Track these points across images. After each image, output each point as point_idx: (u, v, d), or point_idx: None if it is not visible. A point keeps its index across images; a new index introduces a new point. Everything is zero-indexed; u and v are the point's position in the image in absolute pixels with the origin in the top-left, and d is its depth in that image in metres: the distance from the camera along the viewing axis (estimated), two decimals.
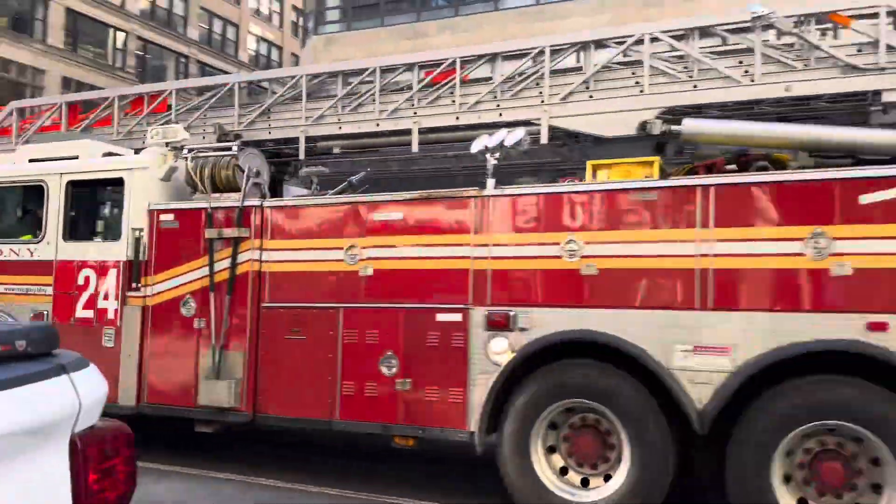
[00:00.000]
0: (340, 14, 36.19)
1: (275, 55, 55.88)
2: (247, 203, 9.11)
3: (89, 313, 9.94)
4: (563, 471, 7.58)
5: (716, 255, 7.00)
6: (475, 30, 29.80)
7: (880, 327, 6.38)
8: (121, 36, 47.03)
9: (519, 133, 8.11)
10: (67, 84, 41.86)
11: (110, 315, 9.78)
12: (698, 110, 8.43)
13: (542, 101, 8.83)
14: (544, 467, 7.57)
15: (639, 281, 7.24)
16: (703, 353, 6.97)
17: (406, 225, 8.27)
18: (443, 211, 8.09)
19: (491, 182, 8.03)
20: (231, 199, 9.24)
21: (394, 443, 8.21)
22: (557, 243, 7.57)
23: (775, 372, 6.74)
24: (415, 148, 9.40)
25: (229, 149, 9.59)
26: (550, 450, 7.62)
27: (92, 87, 25.45)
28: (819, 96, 7.92)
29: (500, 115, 9.01)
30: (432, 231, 8.11)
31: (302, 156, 10.08)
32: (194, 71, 51.26)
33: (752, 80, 8.02)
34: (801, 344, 6.62)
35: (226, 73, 48.08)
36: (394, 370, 8.16)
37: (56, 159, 10.63)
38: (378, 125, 9.63)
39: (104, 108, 11.84)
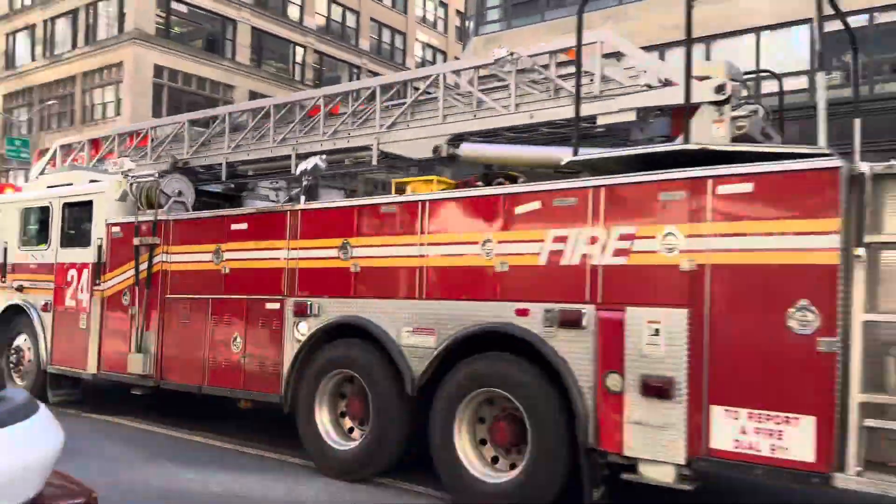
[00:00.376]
0: (501, 13, 38.16)
1: (440, 60, 58.68)
2: (158, 218, 11.54)
3: (73, 302, 12.69)
4: (340, 425, 9.54)
5: (429, 256, 8.75)
6: (641, 17, 29.35)
7: (524, 313, 7.97)
8: (300, 51, 50.91)
9: (313, 160, 10.09)
10: (255, 97, 45.06)
11: (84, 304, 12.47)
12: (494, 135, 10.09)
13: (376, 130, 10.74)
14: (325, 423, 9.55)
15: (386, 277, 9.08)
16: (419, 334, 8.74)
17: (248, 233, 10.43)
18: (270, 222, 10.20)
19: (302, 199, 10.07)
20: (149, 215, 11.70)
21: (239, 405, 10.39)
22: (336, 247, 9.52)
23: (465, 348, 8.42)
24: (294, 170, 11.53)
25: (154, 175, 12.09)
26: (333, 410, 9.59)
27: None
28: (569, 121, 9.42)
29: (348, 141, 10.99)
30: (265, 237, 10.23)
31: (223, 177, 12.40)
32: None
33: (509, 110, 9.64)
34: (475, 326, 8.29)
35: None
36: (239, 347, 10.33)
37: (59, 186, 13.51)
38: (272, 152, 11.83)
39: (118, 142, 14.63)
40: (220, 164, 12.67)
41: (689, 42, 7.30)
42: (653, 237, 7.23)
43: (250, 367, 10.22)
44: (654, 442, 7.07)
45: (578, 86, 8.01)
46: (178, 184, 12.09)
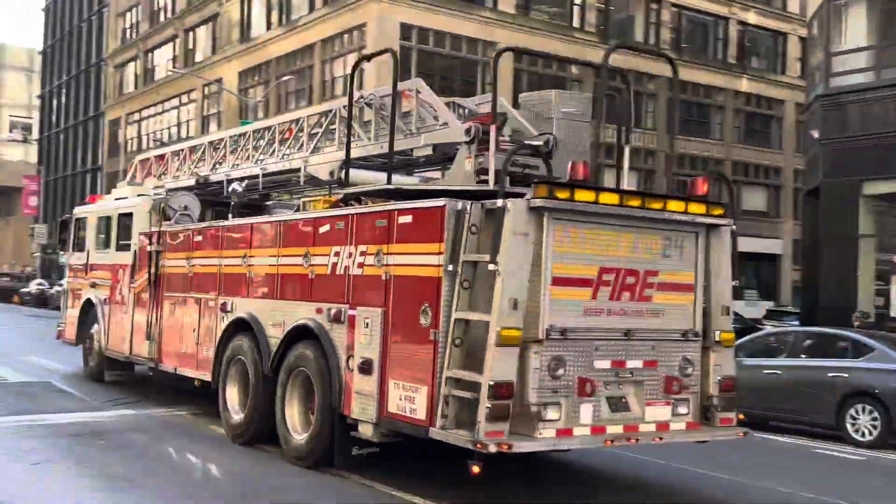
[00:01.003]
0: None
1: None
2: (162, 229, 14.80)
3: (120, 297, 16.22)
4: (241, 401, 12.41)
5: (280, 266, 11.45)
6: None
7: (319, 311, 10.52)
8: None
9: (233, 184, 13.02)
10: (518, 59, 39.23)
11: (125, 299, 15.96)
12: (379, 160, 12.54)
13: (304, 155, 13.45)
14: (231, 398, 12.42)
15: (262, 282, 11.85)
16: (276, 327, 11.43)
17: (201, 244, 13.49)
18: (212, 235, 13.22)
19: (229, 216, 13.05)
20: (163, 226, 14.96)
21: (196, 383, 13.45)
22: (240, 256, 12.39)
23: (296, 337, 11.01)
24: (261, 186, 14.44)
25: (163, 192, 15.39)
26: (235, 388, 12.41)
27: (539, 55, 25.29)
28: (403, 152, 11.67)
29: (289, 163, 13.76)
30: (209, 248, 13.27)
31: (225, 193, 15.41)
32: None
33: (370, 141, 12.05)
34: (297, 321, 10.90)
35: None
36: (196, 337, 13.41)
37: (120, 199, 17.15)
38: (261, 170, 14.79)
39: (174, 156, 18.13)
40: (231, 180, 15.57)
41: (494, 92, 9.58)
42: (373, 254, 9.61)
43: (200, 353, 13.26)
44: (363, 406, 9.47)
45: (392, 122, 10.52)
46: (185, 199, 15.24)
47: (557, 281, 8.29)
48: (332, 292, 10.27)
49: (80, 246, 18.19)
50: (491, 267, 8.02)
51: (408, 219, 9.09)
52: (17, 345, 25.71)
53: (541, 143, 10.50)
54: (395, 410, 9.01)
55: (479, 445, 7.82)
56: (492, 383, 7.88)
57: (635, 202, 8.55)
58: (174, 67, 54.55)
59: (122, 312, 16.00)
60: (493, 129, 9.27)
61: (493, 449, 7.74)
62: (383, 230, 9.45)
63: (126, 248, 16.07)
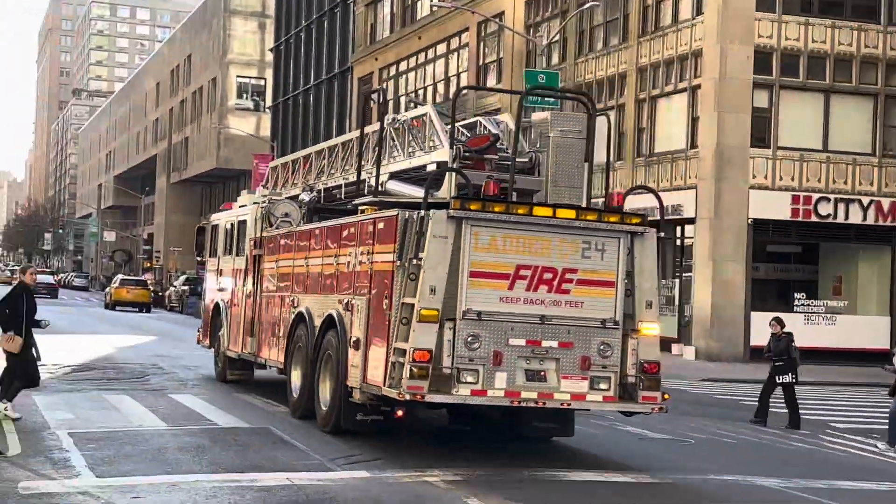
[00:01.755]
0: None
1: None
2: (262, 235, 17.49)
3: (236, 300, 18.83)
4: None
5: (311, 265, 14.06)
6: None
7: (340, 302, 12.95)
8: None
9: (303, 195, 15.83)
10: None
11: (239, 301, 18.67)
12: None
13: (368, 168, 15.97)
14: (294, 378, 15.09)
15: (309, 279, 14.44)
16: (318, 318, 13.89)
17: (283, 247, 16.29)
18: (285, 240, 16.00)
19: (301, 223, 15.78)
20: (263, 233, 17.69)
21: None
22: (302, 258, 15.05)
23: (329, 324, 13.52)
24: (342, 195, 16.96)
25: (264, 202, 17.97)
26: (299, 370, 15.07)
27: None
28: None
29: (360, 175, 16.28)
30: (286, 251, 16.05)
31: (321, 200, 17.85)
32: None
33: (401, 157, 14.43)
34: (329, 309, 13.41)
35: None
36: (278, 330, 16.10)
37: (243, 207, 19.99)
38: (335, 181, 17.30)
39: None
40: (331, 187, 16.90)
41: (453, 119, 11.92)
42: (365, 253, 12.01)
43: (280, 344, 15.87)
44: (354, 376, 11.85)
45: (379, 154, 12.96)
46: (286, 207, 17.44)
47: (475, 274, 10.46)
48: (348, 286, 12.73)
49: (213, 252, 20.70)
50: (415, 262, 10.31)
51: (381, 225, 11.49)
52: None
53: (525, 160, 12.63)
54: (370, 377, 11.37)
55: (400, 395, 10.14)
56: (412, 349, 10.15)
57: (545, 212, 10.59)
58: (440, 0, 44.46)
59: (237, 313, 18.44)
60: (449, 155, 11.53)
61: (408, 397, 10.02)
62: (371, 234, 11.85)
63: (241, 252, 18.48)
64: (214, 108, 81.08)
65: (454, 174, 12.20)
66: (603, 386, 11.03)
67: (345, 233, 13.02)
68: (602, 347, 11.01)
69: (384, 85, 50.16)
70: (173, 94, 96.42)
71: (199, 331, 21.84)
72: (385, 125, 14.30)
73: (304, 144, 54.40)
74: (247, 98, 78.56)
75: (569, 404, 10.89)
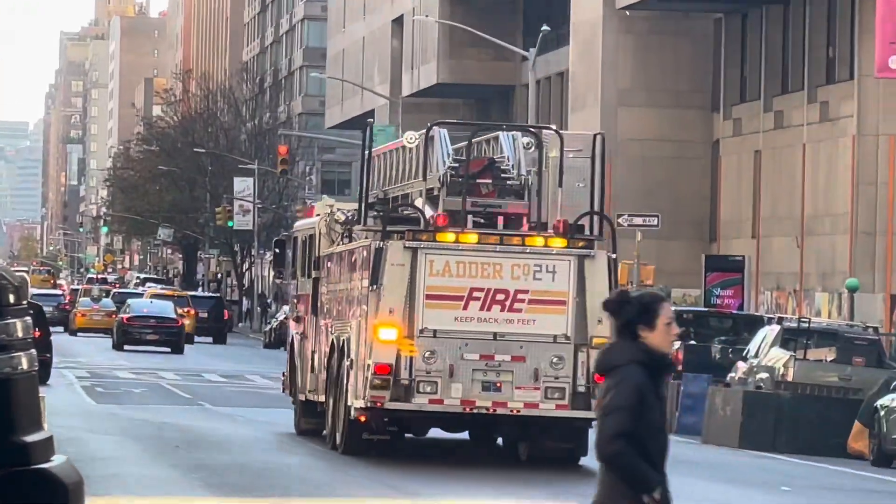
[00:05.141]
0: None
1: None
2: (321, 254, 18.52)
3: (306, 329, 18.04)
4: None
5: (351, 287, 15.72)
6: None
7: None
8: None
9: None
10: None
11: (308, 329, 18.63)
12: None
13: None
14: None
15: (344, 301, 16.09)
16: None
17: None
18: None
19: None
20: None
21: None
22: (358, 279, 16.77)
23: None
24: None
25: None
26: None
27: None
28: None
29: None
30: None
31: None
32: None
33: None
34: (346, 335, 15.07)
35: None
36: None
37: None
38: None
39: None
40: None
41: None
42: (360, 278, 13.59)
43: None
44: (354, 393, 13.46)
45: (363, 181, 14.61)
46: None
47: (431, 297, 11.96)
48: (357, 308, 14.27)
49: (293, 273, 17.63)
50: (374, 287, 11.90)
51: (364, 253, 13.10)
52: None
53: (517, 182, 13.47)
54: (360, 391, 12.96)
55: (365, 403, 11.73)
56: (374, 363, 11.72)
57: (493, 241, 12.00)
58: None
59: (307, 347, 16.37)
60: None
61: (369, 404, 11.60)
62: (365, 260, 13.35)
63: (310, 274, 16.46)
64: None
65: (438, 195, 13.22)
66: (556, 395, 12.28)
67: (352, 259, 14.44)
68: (554, 360, 12.27)
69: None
70: None
71: (283, 374, 18.42)
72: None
73: None
74: None
75: (519, 411, 12.20)
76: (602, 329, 12.40)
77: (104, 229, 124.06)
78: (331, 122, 72.75)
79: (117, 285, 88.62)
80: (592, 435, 14.51)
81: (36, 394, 3.20)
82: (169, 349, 44.46)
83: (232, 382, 30.07)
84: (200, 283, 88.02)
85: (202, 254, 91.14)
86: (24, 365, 3.07)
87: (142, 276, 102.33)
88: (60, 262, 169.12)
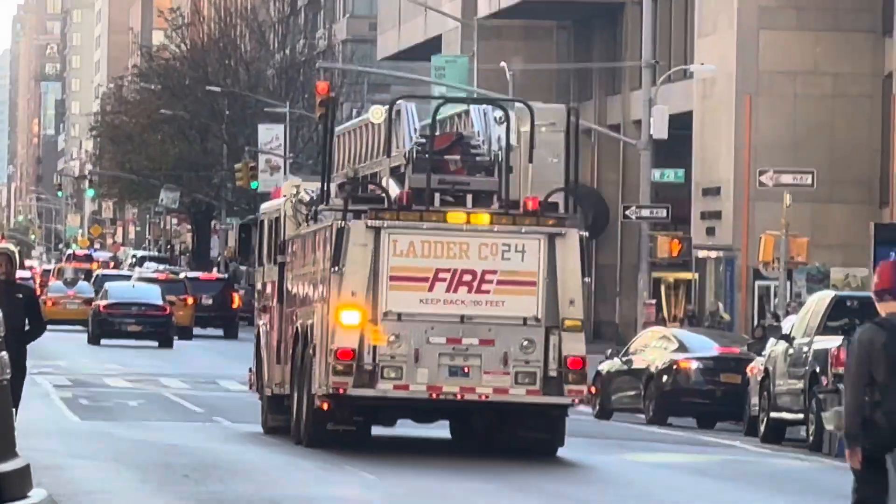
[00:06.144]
0: None
1: None
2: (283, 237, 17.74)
3: (272, 319, 18.62)
4: None
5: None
6: None
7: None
8: None
9: None
10: None
11: (274, 319, 19.65)
12: None
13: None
14: None
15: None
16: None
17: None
18: None
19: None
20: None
21: None
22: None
23: None
24: None
25: None
26: None
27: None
28: None
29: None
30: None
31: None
32: None
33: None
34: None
35: None
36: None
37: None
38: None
39: None
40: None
41: None
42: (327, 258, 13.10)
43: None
44: (318, 381, 13.01)
45: (327, 160, 14.14)
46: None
47: (395, 278, 11.50)
48: (320, 291, 13.79)
49: (260, 259, 16.61)
50: (336, 268, 11.43)
51: (326, 234, 12.63)
52: None
53: (487, 159, 12.99)
54: (322, 379, 12.50)
55: (327, 390, 11.28)
56: (336, 349, 11.27)
57: (459, 219, 11.54)
58: None
59: (273, 337, 15.29)
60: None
61: (331, 391, 11.16)
62: (327, 241, 12.85)
63: (276, 259, 15.49)
64: None
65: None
66: (526, 380, 11.85)
67: (315, 241, 13.82)
68: (525, 344, 11.83)
69: None
70: None
71: (249, 371, 17.32)
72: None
73: None
74: None
75: (488, 397, 11.77)
76: (574, 311, 12.02)
77: (90, 193, 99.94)
78: (384, 52, 59.13)
79: (111, 265, 73.83)
80: (569, 424, 14.22)
81: (8, 409, 2.53)
82: (155, 342, 39.95)
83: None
84: (216, 263, 70.06)
85: (217, 224, 73.48)
86: None
87: (139, 253, 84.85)
88: (33, 236, 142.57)
